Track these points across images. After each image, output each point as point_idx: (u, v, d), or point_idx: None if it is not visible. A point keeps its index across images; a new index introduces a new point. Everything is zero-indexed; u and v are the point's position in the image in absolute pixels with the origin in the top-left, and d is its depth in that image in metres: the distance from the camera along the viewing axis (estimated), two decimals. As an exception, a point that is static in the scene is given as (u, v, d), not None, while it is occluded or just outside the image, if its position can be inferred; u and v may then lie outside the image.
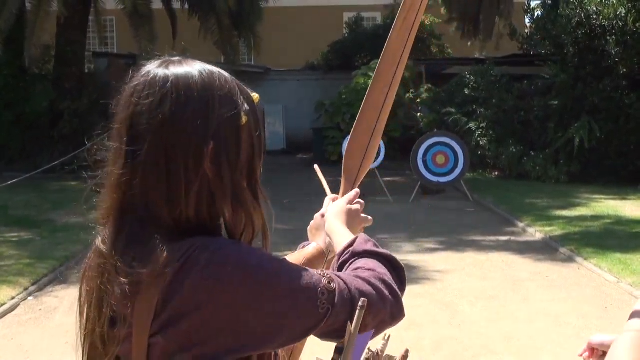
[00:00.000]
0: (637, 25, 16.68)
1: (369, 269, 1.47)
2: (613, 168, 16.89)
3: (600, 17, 16.98)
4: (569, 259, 9.25)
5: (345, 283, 1.39)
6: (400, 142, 20.50)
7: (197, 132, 1.34)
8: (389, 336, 1.26)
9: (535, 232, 11.07)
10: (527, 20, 23.08)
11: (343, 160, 1.90)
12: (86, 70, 21.56)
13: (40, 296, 7.73)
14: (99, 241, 1.39)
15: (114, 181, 1.37)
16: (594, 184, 16.32)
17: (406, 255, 9.73)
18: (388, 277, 1.46)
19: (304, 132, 23.52)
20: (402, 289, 1.49)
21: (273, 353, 1.44)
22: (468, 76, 19.66)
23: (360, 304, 1.29)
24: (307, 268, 1.41)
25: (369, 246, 1.55)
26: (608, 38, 16.95)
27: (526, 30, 22.08)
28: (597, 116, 16.82)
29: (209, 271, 1.28)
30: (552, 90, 17.87)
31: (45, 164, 15.89)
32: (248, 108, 1.41)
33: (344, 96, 21.13)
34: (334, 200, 1.85)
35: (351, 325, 1.31)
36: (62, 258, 9.04)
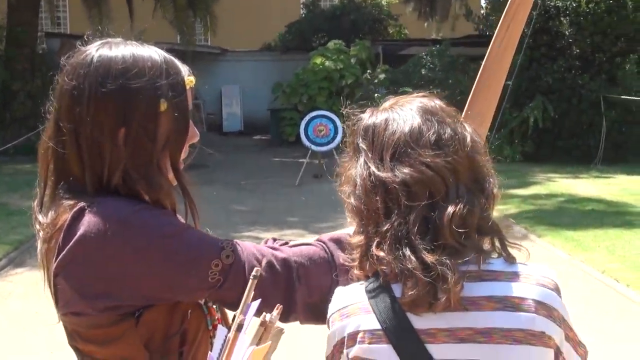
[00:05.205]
0: (590, 6, 16.92)
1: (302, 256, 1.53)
2: (566, 147, 17.17)
3: (555, -2, 17.18)
4: (524, 237, 9.38)
5: (246, 260, 1.46)
6: (358, 123, 20.54)
7: (111, 116, 1.43)
8: (281, 307, 1.28)
9: (491, 211, 11.16)
10: (482, 1, 23.26)
11: None
12: (39, 51, 21.17)
13: (-6, 281, 7.63)
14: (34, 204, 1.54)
15: (45, 150, 1.51)
16: (547, 163, 16.58)
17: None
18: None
19: (261, 113, 23.41)
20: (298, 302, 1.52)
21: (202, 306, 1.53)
22: (425, 57, 19.75)
23: (253, 272, 1.31)
24: (215, 238, 1.49)
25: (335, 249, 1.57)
26: (562, 19, 17.16)
27: (482, 11, 22.24)
28: (551, 96, 17.06)
29: (95, 225, 1.38)
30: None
31: (-2, 147, 15.64)
32: (172, 94, 1.47)
33: (301, 77, 21.08)
34: None
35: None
36: (16, 242, 8.92)
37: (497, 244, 1.44)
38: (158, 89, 1.45)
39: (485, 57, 1.91)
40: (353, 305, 1.40)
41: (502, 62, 1.93)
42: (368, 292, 1.40)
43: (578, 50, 17.16)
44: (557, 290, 1.39)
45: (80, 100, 1.43)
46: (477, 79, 1.91)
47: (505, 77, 1.94)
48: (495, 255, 1.43)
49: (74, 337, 1.49)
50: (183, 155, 1.55)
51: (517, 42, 1.92)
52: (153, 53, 1.50)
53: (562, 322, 1.37)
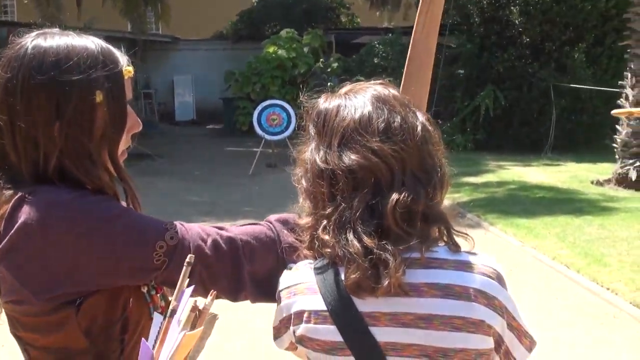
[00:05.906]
0: (539, -5, 17.16)
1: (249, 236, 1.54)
2: (517, 135, 17.41)
3: (505, -12, 17.37)
4: (476, 225, 9.48)
5: (191, 240, 1.46)
6: (311, 112, 20.52)
7: (44, 109, 1.42)
8: (215, 293, 1.30)
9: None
10: (434, -10, 23.40)
11: None
12: (-15, 40, 20.71)
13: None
14: None
15: None
16: (499, 151, 16.78)
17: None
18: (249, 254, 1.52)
19: (213, 102, 23.26)
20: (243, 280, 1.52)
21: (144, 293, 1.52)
22: (377, 45, 19.83)
23: (187, 259, 1.31)
24: (158, 220, 1.49)
25: (281, 230, 1.59)
26: (512, 8, 17.37)
27: (433, 0, 22.40)
28: (501, 85, 17.27)
29: (35, 213, 1.38)
30: (458, 59, 18.22)
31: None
32: (108, 85, 1.46)
33: (253, 66, 20.98)
34: None
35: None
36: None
37: (443, 232, 1.45)
38: (93, 81, 1.43)
39: (410, 44, 1.92)
40: (301, 285, 1.43)
41: (427, 45, 1.94)
42: (316, 273, 1.42)
43: (528, 39, 17.38)
44: (499, 279, 1.41)
45: (14, 93, 1.42)
46: (405, 68, 1.93)
47: (433, 59, 1.94)
48: (441, 243, 1.44)
49: (15, 325, 1.48)
50: (124, 145, 1.54)
51: (439, 24, 1.93)
52: (89, 43, 1.47)
53: (504, 311, 1.38)
